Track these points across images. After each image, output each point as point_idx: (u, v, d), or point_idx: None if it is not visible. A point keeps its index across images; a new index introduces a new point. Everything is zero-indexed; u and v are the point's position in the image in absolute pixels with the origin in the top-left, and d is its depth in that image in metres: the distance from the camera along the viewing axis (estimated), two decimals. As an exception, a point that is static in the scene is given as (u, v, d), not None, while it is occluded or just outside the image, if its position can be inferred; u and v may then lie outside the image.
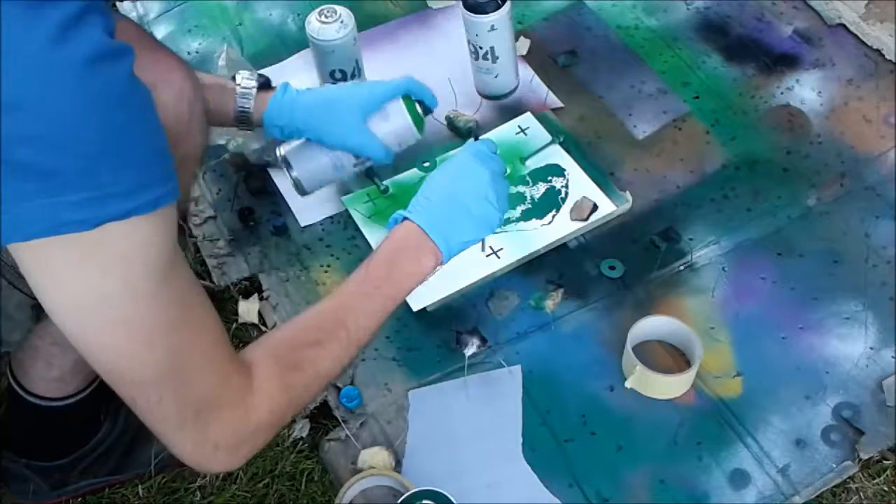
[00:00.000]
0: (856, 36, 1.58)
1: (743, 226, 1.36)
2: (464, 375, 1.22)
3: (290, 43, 1.66)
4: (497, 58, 1.43)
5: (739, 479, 1.13)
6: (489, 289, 1.31)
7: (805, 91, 1.53)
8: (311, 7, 1.49)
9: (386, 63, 1.59)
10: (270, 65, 1.61)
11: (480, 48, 1.41)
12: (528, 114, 1.48)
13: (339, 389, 1.22)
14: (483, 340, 1.25)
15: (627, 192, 1.38)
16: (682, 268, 1.32)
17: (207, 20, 1.73)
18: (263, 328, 1.31)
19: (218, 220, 1.44)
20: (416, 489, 1.06)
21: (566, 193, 1.38)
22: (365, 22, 1.61)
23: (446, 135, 1.49)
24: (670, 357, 1.23)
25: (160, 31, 1.73)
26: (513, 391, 1.21)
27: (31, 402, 1.12)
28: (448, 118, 1.50)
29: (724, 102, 1.52)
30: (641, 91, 1.55)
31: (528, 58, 1.59)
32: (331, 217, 1.41)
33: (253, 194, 1.45)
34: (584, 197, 1.36)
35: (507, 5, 1.37)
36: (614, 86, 1.56)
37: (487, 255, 1.32)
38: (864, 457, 1.13)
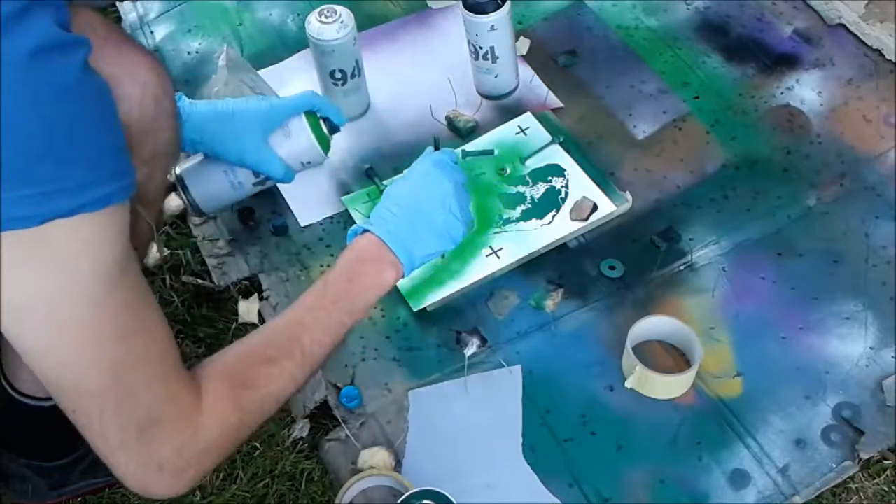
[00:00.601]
0: (856, 36, 1.58)
1: (743, 226, 1.36)
2: (464, 375, 1.22)
3: (290, 43, 1.66)
4: (497, 58, 1.43)
5: (739, 479, 1.13)
6: (489, 289, 1.31)
7: (805, 91, 1.53)
8: (311, 7, 1.49)
9: (386, 63, 1.59)
10: (270, 65, 1.61)
11: (480, 48, 1.41)
12: (528, 114, 1.48)
13: (339, 389, 1.22)
14: (483, 340, 1.25)
15: (627, 192, 1.38)
16: (682, 268, 1.32)
17: (207, 20, 1.73)
18: (263, 328, 1.31)
19: (218, 220, 1.43)
20: (416, 489, 1.06)
21: (566, 193, 1.38)
22: (365, 22, 1.61)
23: (446, 135, 1.49)
24: (670, 357, 1.23)
25: (160, 31, 1.73)
26: (513, 391, 1.21)
27: (22, 403, 1.11)
28: (448, 118, 1.50)
29: (724, 102, 1.52)
30: (641, 91, 1.55)
31: (528, 58, 1.59)
32: (331, 217, 1.41)
33: (253, 194, 1.45)
34: (584, 197, 1.36)
35: (507, 5, 1.38)
36: (614, 86, 1.56)
37: (487, 255, 1.32)
38: (864, 457, 1.13)
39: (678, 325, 1.22)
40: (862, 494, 1.12)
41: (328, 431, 1.21)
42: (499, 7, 1.37)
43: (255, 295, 1.35)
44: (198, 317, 1.35)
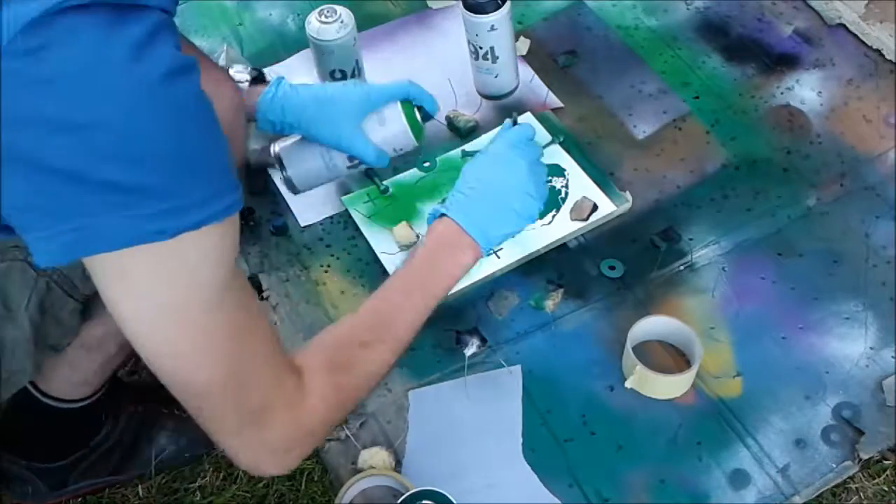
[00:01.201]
0: (856, 36, 1.58)
1: (743, 226, 1.36)
2: (464, 375, 1.22)
3: (290, 43, 1.66)
4: (497, 58, 1.43)
5: (739, 479, 1.13)
6: (489, 289, 1.31)
7: (805, 91, 1.53)
8: (311, 7, 1.49)
9: (386, 63, 1.59)
10: (270, 65, 1.61)
11: (480, 48, 1.41)
12: (528, 114, 1.48)
13: (339, 389, 1.22)
14: (483, 340, 1.25)
15: (627, 192, 1.38)
16: (682, 268, 1.32)
17: (207, 20, 1.73)
18: (263, 328, 1.31)
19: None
20: (416, 489, 1.06)
21: (566, 193, 1.38)
22: (365, 22, 1.61)
23: (446, 135, 1.49)
24: (670, 357, 1.23)
25: (160, 31, 1.73)
26: (513, 391, 1.21)
27: (45, 404, 1.12)
28: (448, 118, 1.50)
29: (724, 102, 1.52)
30: (641, 91, 1.55)
31: (528, 58, 1.59)
32: (331, 217, 1.41)
33: (253, 194, 1.45)
34: (584, 197, 1.36)
35: (507, 5, 1.37)
36: (614, 86, 1.56)
37: (487, 255, 1.32)
38: (864, 457, 1.13)
39: (678, 325, 1.22)
40: (862, 494, 1.12)
41: (328, 431, 1.21)
42: (499, 7, 1.36)
43: (256, 295, 1.35)
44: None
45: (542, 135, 1.45)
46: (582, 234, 1.35)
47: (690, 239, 1.35)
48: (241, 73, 1.23)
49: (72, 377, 1.11)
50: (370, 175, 1.42)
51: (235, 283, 0.80)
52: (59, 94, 0.65)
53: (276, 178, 1.45)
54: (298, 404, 0.87)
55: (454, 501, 1.04)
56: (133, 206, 0.69)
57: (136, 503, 1.19)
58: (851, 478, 1.14)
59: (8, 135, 0.65)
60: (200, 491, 1.18)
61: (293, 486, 1.18)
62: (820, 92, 1.52)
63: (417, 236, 1.31)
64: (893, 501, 1.13)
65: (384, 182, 1.41)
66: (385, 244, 1.34)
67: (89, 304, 1.08)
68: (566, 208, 1.36)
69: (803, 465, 1.14)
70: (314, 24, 1.42)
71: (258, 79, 1.25)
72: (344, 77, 1.46)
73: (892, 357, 1.21)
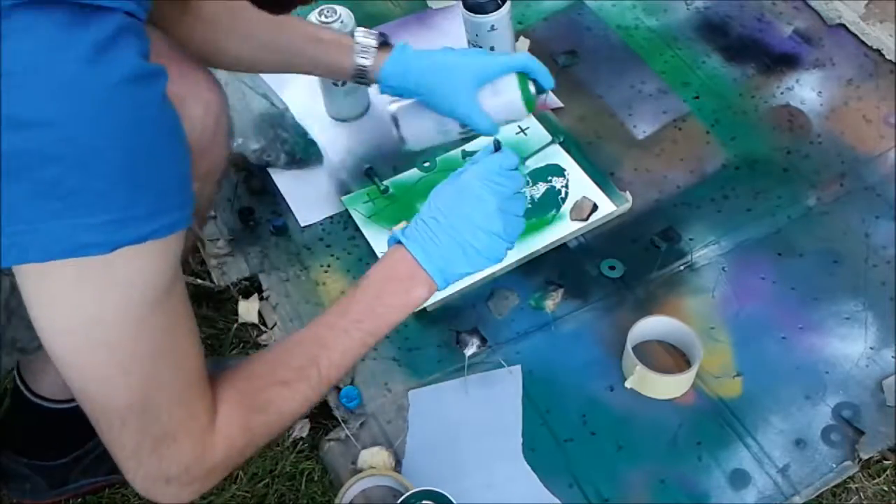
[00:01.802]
0: (856, 36, 1.58)
1: (743, 226, 1.36)
2: (464, 375, 1.22)
3: (290, 43, 1.65)
4: (497, 58, 1.42)
5: (739, 479, 1.13)
6: (489, 289, 1.31)
7: (805, 91, 1.53)
8: (311, 7, 1.48)
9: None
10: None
11: (480, 48, 1.41)
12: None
13: (339, 389, 1.22)
14: (483, 340, 1.25)
15: (627, 192, 1.38)
16: (682, 268, 1.32)
17: (207, 20, 1.72)
18: (263, 328, 1.31)
19: (218, 220, 1.43)
20: (416, 489, 1.06)
21: (566, 193, 1.38)
22: (365, 22, 1.60)
23: (446, 135, 1.49)
24: (670, 357, 1.23)
25: (160, 31, 1.73)
26: (513, 391, 1.21)
27: (36, 404, 1.12)
28: (448, 118, 1.49)
29: (724, 102, 1.52)
30: (641, 91, 1.55)
31: (528, 58, 1.59)
32: (331, 217, 1.41)
33: (253, 194, 1.45)
34: (584, 197, 1.36)
35: (507, 5, 1.37)
36: (614, 86, 1.56)
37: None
38: (864, 457, 1.13)
39: (678, 325, 1.22)
40: (862, 494, 1.12)
41: (328, 431, 1.21)
42: (499, 7, 1.36)
43: (255, 295, 1.35)
44: (198, 317, 1.34)
45: (542, 135, 1.45)
46: (582, 234, 1.35)
47: (690, 239, 1.35)
48: (367, 38, 1.21)
49: (58, 378, 1.11)
50: (370, 175, 1.42)
51: (167, 304, 0.75)
52: (7, 89, 0.63)
53: (277, 179, 1.45)
54: (205, 440, 0.82)
55: (454, 501, 1.04)
56: (72, 214, 0.66)
57: (136, 503, 1.19)
58: (851, 478, 1.14)
59: None
60: (200, 491, 1.18)
61: (293, 486, 1.18)
62: (820, 92, 1.52)
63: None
64: (893, 502, 1.12)
65: (384, 182, 1.41)
66: (385, 244, 1.33)
67: None
68: (566, 208, 1.36)
69: (803, 465, 1.14)
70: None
71: (384, 44, 1.23)
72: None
73: (892, 357, 1.21)
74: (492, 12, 1.36)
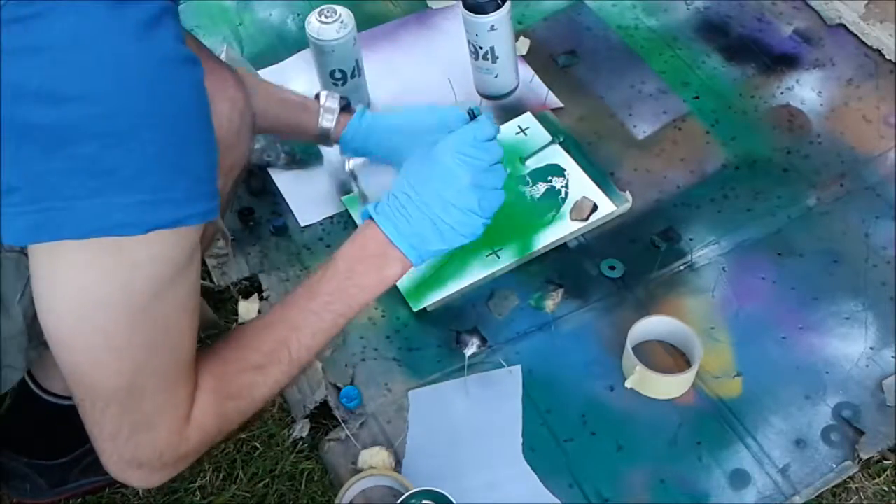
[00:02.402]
0: (856, 36, 1.58)
1: (743, 226, 1.36)
2: (464, 375, 1.22)
3: (290, 43, 1.66)
4: (497, 58, 1.42)
5: (739, 479, 1.13)
6: (489, 289, 1.31)
7: (805, 91, 1.53)
8: (311, 7, 1.49)
9: (386, 63, 1.59)
10: (270, 65, 1.61)
11: (480, 48, 1.41)
12: (528, 114, 1.48)
13: (339, 389, 1.22)
14: (483, 340, 1.25)
15: (627, 192, 1.38)
16: (682, 268, 1.32)
17: (207, 20, 1.73)
18: (263, 328, 1.31)
19: (218, 220, 1.43)
20: (416, 489, 1.06)
21: (566, 193, 1.38)
22: (365, 22, 1.61)
23: (446, 135, 1.49)
24: (670, 357, 1.23)
25: (160, 31, 1.73)
26: (513, 391, 1.21)
27: (44, 400, 1.12)
28: (448, 118, 1.49)
29: (724, 102, 1.52)
30: (641, 91, 1.55)
31: (528, 58, 1.59)
32: (331, 217, 1.41)
33: (253, 194, 1.45)
34: (584, 197, 1.36)
35: (507, 5, 1.37)
36: (614, 86, 1.56)
37: (487, 256, 1.32)
38: (864, 457, 1.13)
39: (678, 325, 1.22)
40: (862, 494, 1.12)
41: (328, 431, 1.21)
42: (499, 7, 1.36)
43: (255, 295, 1.35)
44: (198, 317, 1.35)
45: (542, 135, 1.45)
46: (582, 234, 1.35)
47: (690, 239, 1.35)
48: (332, 101, 1.25)
49: None
50: (370, 175, 1.42)
51: (172, 295, 0.75)
52: (48, 64, 0.63)
53: (277, 179, 1.45)
54: (180, 431, 0.82)
55: (454, 501, 1.04)
56: (107, 192, 0.65)
57: (136, 503, 1.19)
58: (851, 478, 1.14)
59: None
60: (200, 491, 1.18)
61: (293, 486, 1.18)
62: (820, 92, 1.52)
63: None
64: (893, 502, 1.12)
65: (385, 181, 1.41)
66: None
67: None
68: (566, 208, 1.36)
69: (803, 465, 1.14)
70: (314, 25, 1.42)
71: (346, 106, 1.27)
72: (343, 77, 1.45)
73: (892, 357, 1.21)
74: (492, 12, 1.36)
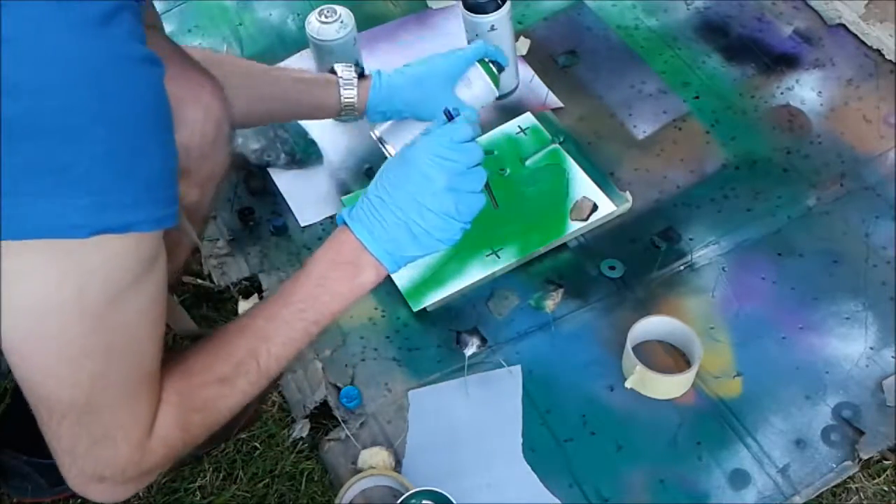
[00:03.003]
0: (856, 36, 1.58)
1: (743, 226, 1.36)
2: (464, 375, 1.22)
3: (290, 43, 1.66)
4: (497, 58, 1.42)
5: (739, 479, 1.13)
6: (489, 289, 1.31)
7: (805, 91, 1.53)
8: (311, 7, 1.49)
9: (386, 63, 1.58)
10: (270, 65, 1.60)
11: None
12: (528, 114, 1.48)
13: (339, 389, 1.22)
14: (483, 340, 1.25)
15: (627, 192, 1.38)
16: (682, 268, 1.32)
17: (207, 20, 1.73)
18: (263, 328, 1.31)
19: (218, 220, 1.43)
20: (416, 489, 1.06)
21: (566, 193, 1.38)
22: (365, 22, 1.61)
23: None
24: (670, 357, 1.23)
25: (160, 31, 1.73)
26: (513, 391, 1.21)
27: None
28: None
29: (724, 102, 1.52)
30: (641, 91, 1.55)
31: (528, 58, 1.59)
32: (331, 217, 1.41)
33: (253, 194, 1.45)
34: (584, 197, 1.36)
35: (507, 5, 1.37)
36: (614, 86, 1.56)
37: (487, 256, 1.32)
38: (864, 457, 1.13)
39: (678, 325, 1.22)
40: (862, 494, 1.12)
41: (328, 431, 1.21)
42: (499, 7, 1.36)
43: (255, 295, 1.35)
44: (198, 317, 1.35)
45: (542, 135, 1.45)
46: (582, 234, 1.35)
47: (690, 239, 1.35)
48: (348, 71, 1.23)
49: None
50: (370, 175, 1.42)
51: (130, 302, 0.72)
52: (7, 55, 0.61)
53: (277, 179, 1.45)
54: (142, 445, 0.79)
55: (454, 501, 1.04)
56: (58, 192, 0.63)
57: (135, 503, 1.18)
58: (851, 478, 1.14)
59: None
60: (200, 491, 1.18)
61: (293, 486, 1.18)
62: (820, 92, 1.52)
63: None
64: (893, 502, 1.12)
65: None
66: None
67: None
68: (566, 208, 1.36)
69: (803, 465, 1.14)
70: (314, 24, 1.42)
71: (361, 74, 1.25)
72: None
73: (892, 357, 1.21)
74: (492, 12, 1.36)
